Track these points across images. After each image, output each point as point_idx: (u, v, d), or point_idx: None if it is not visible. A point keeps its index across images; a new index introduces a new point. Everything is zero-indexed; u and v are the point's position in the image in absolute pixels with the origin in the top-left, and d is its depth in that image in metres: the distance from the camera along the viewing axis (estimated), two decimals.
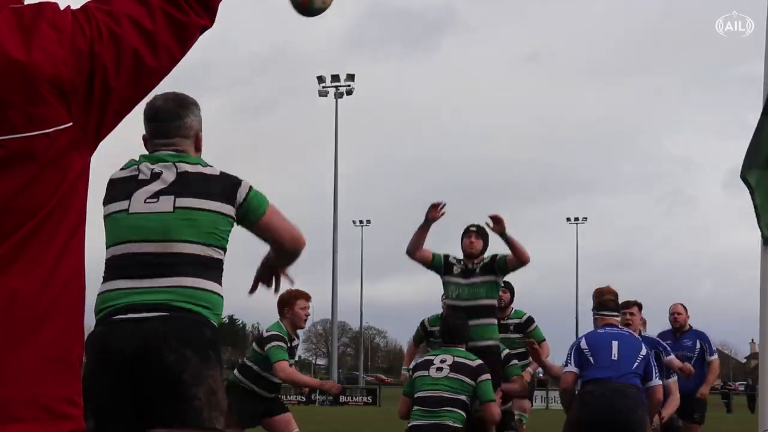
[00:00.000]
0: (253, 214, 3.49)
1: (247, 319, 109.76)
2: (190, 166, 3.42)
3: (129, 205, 3.35)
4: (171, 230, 3.30)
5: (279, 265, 3.73)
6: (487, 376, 6.56)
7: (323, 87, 48.40)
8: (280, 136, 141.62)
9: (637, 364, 6.13)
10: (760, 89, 5.42)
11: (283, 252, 3.66)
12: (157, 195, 3.34)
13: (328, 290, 48.51)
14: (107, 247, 3.45)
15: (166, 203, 3.33)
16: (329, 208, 48.37)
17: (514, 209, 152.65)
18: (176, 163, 3.41)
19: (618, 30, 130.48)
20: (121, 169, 3.50)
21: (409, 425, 6.60)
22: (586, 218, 73.85)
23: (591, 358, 6.19)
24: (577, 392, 6.24)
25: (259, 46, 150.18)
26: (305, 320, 6.94)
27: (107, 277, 3.38)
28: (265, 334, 6.72)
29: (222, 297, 3.44)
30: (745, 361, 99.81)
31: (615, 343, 6.20)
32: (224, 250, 3.50)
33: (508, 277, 7.62)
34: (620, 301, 6.99)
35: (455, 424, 6.37)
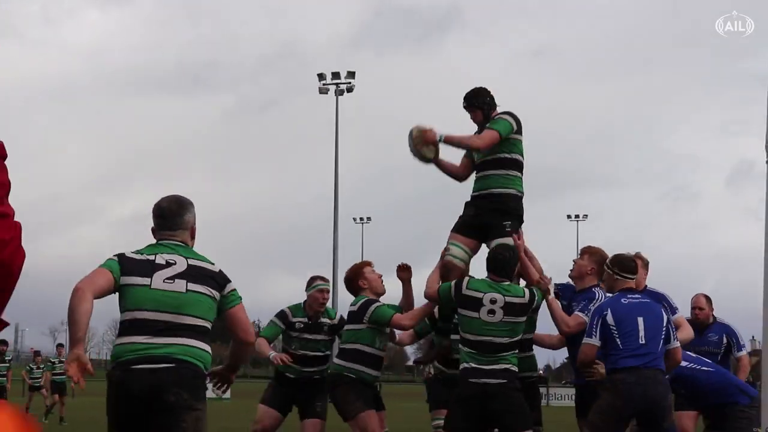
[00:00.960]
0: (229, 304, 4.62)
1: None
2: (196, 261, 4.59)
3: (151, 282, 4.41)
4: (183, 306, 4.41)
5: (234, 366, 4.88)
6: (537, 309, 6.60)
7: (324, 84, 47.60)
8: (282, 133, 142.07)
9: (662, 343, 6.18)
10: (764, 85, 5.35)
11: (238, 343, 4.73)
12: (173, 278, 4.44)
13: (329, 287, 49.17)
14: (127, 310, 4.43)
15: (180, 285, 4.44)
16: (330, 205, 46.53)
17: None
18: (186, 257, 4.55)
19: (622, 26, 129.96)
20: (134, 252, 4.55)
21: (463, 366, 6.33)
22: (586, 215, 73.84)
23: (618, 341, 6.13)
24: (608, 378, 6.15)
25: (263, 45, 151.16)
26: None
27: (127, 333, 4.42)
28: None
29: (210, 353, 4.51)
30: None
31: (641, 321, 6.16)
32: (212, 323, 4.56)
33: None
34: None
35: (513, 367, 6.26)
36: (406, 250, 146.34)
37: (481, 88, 7.04)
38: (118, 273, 4.45)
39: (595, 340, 6.16)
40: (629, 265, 6.50)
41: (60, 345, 24.56)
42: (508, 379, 6.20)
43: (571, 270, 7.12)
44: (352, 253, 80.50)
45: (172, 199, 4.76)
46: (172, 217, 4.70)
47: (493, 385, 6.16)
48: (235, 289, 4.68)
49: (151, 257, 4.51)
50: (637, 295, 6.38)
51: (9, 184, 2.12)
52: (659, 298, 7.31)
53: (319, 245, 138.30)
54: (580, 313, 6.59)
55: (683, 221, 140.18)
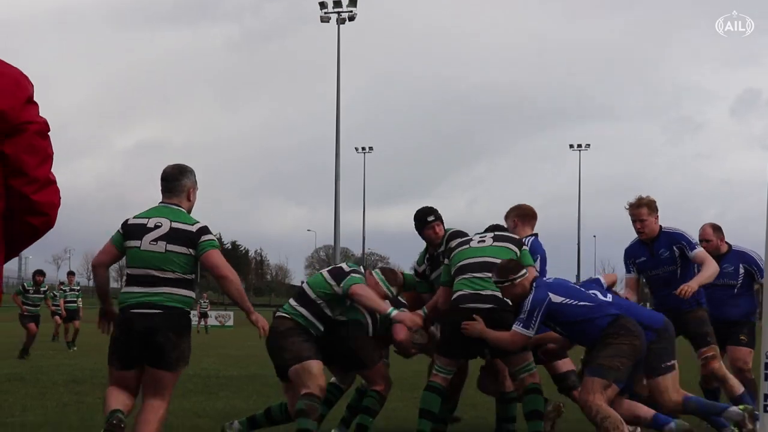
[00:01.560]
0: (200, 253, 5.61)
1: (250, 246, 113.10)
2: (178, 223, 5.62)
3: (140, 244, 5.63)
4: (164, 263, 5.58)
5: (242, 307, 5.81)
6: (527, 247, 6.93)
7: (325, 13, 47.78)
8: (285, 63, 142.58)
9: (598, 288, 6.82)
10: None
11: (218, 282, 5.79)
12: (156, 240, 5.60)
13: (331, 217, 49.13)
14: (127, 266, 5.73)
15: (161, 246, 5.59)
16: (332, 135, 47.44)
17: (518, 135, 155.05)
18: (171, 221, 5.63)
19: None
20: (135, 217, 5.74)
21: (455, 295, 6.65)
22: (589, 145, 74.14)
23: (586, 305, 6.54)
24: (614, 326, 6.33)
25: None
26: None
27: (128, 284, 5.72)
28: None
29: (191, 297, 5.68)
30: None
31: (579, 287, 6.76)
32: (193, 273, 5.68)
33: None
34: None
35: (500, 294, 6.50)
36: (407, 179, 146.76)
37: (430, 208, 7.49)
38: (120, 242, 5.75)
39: (531, 332, 6.31)
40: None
41: (71, 273, 24.77)
42: (498, 304, 6.54)
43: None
44: (354, 183, 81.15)
45: (174, 166, 5.87)
46: (172, 181, 5.81)
47: (484, 309, 6.52)
48: (205, 240, 5.64)
49: (145, 221, 5.69)
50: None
51: (53, 154, 2.59)
52: (677, 238, 7.66)
53: (321, 175, 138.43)
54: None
55: (687, 151, 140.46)
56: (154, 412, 5.52)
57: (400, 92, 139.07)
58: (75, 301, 22.99)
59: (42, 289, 20.19)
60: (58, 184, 2.67)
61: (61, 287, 23.87)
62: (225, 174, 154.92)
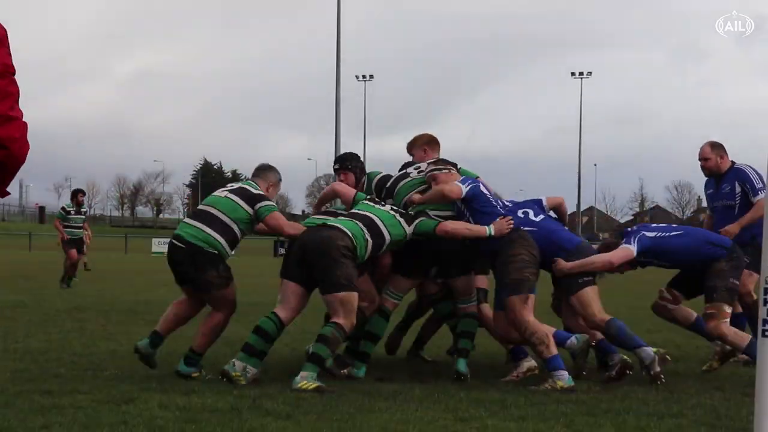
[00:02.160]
0: (261, 217, 6.84)
1: (250, 175, 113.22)
2: (245, 186, 6.98)
3: (219, 192, 7.00)
4: (216, 203, 6.82)
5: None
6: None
7: None
8: None
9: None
10: None
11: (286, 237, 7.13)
12: (224, 191, 6.95)
13: (331, 145, 48.99)
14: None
15: (223, 194, 6.89)
16: (332, 63, 47.19)
17: (519, 63, 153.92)
18: (243, 186, 6.97)
19: None
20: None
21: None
22: (590, 73, 73.65)
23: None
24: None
25: None
26: None
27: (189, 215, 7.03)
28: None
29: (218, 241, 6.69)
30: None
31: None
32: (240, 230, 6.80)
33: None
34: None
35: None
36: (407, 107, 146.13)
37: (354, 153, 7.85)
38: None
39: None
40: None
41: (80, 191, 23.49)
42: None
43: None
44: (355, 111, 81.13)
45: (265, 164, 7.34)
46: (259, 169, 7.27)
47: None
48: (263, 206, 6.84)
49: (233, 186, 7.10)
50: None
51: (18, 92, 2.76)
52: (742, 177, 8.04)
53: (321, 103, 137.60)
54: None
55: (690, 78, 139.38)
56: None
57: (401, 20, 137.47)
58: (81, 227, 21.81)
59: (83, 210, 18.58)
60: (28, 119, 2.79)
61: (65, 209, 21.79)
62: (225, 103, 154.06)
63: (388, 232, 6.84)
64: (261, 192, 6.95)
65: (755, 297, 7.91)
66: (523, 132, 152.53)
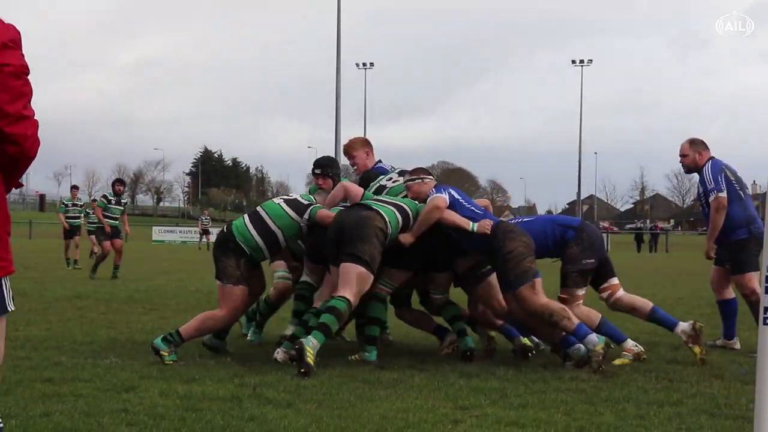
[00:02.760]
0: (311, 218, 7.20)
1: (250, 163, 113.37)
2: (298, 197, 7.43)
3: (275, 199, 7.48)
4: (266, 207, 7.30)
5: None
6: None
7: None
8: None
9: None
10: None
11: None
12: (281, 200, 7.39)
13: (332, 134, 49.63)
14: None
15: (278, 202, 7.36)
16: (332, 51, 48.65)
17: (520, 51, 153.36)
18: (297, 197, 7.40)
19: None
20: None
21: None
22: (591, 60, 73.49)
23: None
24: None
25: None
26: None
27: None
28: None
29: (252, 236, 7.09)
30: None
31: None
32: (279, 225, 7.14)
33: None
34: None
35: None
36: (408, 95, 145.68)
37: (333, 158, 8.15)
38: None
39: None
40: None
41: (74, 187, 23.74)
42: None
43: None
44: (355, 99, 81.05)
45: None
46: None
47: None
48: (311, 209, 7.21)
49: (293, 196, 7.53)
50: None
51: (31, 92, 2.90)
52: (702, 179, 8.09)
53: (322, 92, 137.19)
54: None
55: (693, 66, 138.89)
56: None
57: (401, 8, 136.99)
58: (78, 217, 22.43)
59: (123, 200, 18.38)
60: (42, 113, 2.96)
61: (63, 203, 23.25)
62: (225, 91, 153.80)
63: (391, 227, 6.99)
64: (310, 202, 7.36)
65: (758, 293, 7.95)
66: (523, 120, 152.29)
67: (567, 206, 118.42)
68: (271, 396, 5.51)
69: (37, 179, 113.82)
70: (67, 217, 22.02)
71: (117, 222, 18.10)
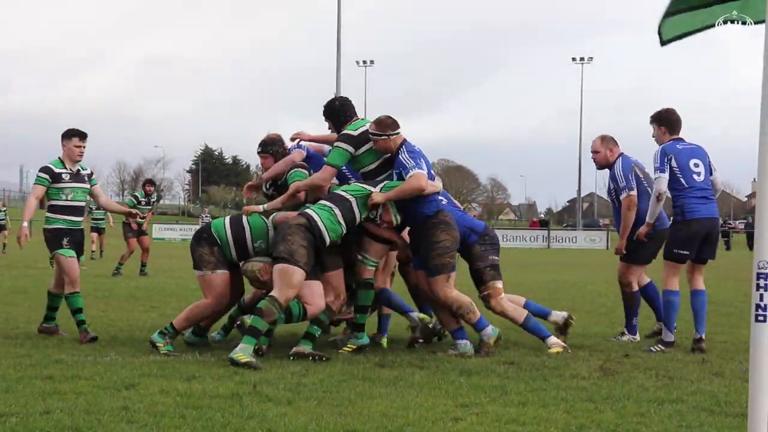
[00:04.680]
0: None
1: (250, 161, 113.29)
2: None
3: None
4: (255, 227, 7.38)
5: None
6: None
7: None
8: None
9: None
10: None
11: None
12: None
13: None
14: None
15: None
16: (332, 48, 47.19)
17: (522, 49, 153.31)
18: None
19: None
20: None
21: None
22: (591, 58, 73.03)
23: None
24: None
25: None
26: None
27: None
28: None
29: (230, 248, 7.32)
30: (746, 199, 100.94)
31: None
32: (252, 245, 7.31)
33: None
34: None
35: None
36: (408, 93, 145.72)
37: (276, 136, 8.10)
38: None
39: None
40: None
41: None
42: None
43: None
44: (356, 97, 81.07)
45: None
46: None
47: None
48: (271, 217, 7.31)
49: None
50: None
51: None
52: (612, 175, 8.24)
53: (321, 90, 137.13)
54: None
55: (698, 63, 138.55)
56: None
57: (401, 7, 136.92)
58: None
59: (152, 200, 18.20)
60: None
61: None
62: (226, 89, 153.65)
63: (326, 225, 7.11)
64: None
65: (634, 288, 8.40)
66: (524, 118, 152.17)
67: (567, 204, 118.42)
68: (271, 394, 5.51)
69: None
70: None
71: (142, 221, 17.96)
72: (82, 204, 8.42)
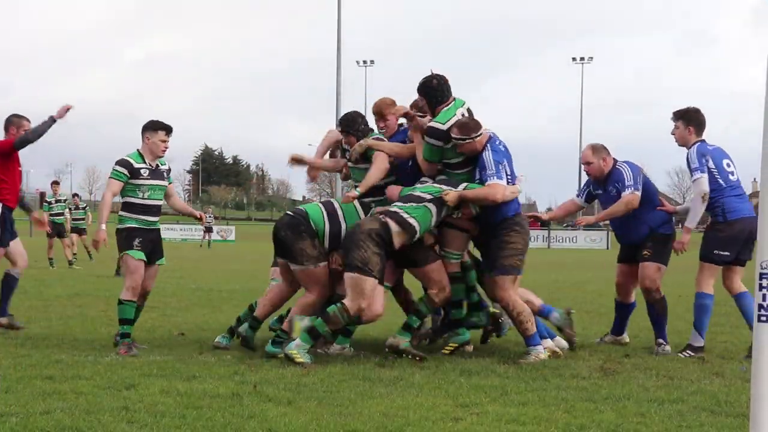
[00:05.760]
0: None
1: (251, 161, 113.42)
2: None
3: None
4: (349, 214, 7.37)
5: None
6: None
7: None
8: None
9: None
10: None
11: None
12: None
13: None
14: None
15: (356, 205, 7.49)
16: (333, 48, 46.47)
17: (523, 50, 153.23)
18: None
19: None
20: None
21: None
22: (591, 58, 73.01)
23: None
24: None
25: None
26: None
27: None
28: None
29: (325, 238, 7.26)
30: None
31: None
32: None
33: None
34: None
35: None
36: (408, 93, 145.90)
37: (357, 114, 7.72)
38: None
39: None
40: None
41: (55, 182, 22.08)
42: None
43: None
44: (356, 97, 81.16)
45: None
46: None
47: None
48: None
49: None
50: None
51: None
52: (617, 177, 7.86)
53: (322, 89, 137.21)
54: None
55: (699, 64, 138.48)
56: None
57: (402, 6, 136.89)
58: (61, 214, 20.86)
59: (82, 206, 18.89)
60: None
61: (45, 200, 21.50)
62: (226, 89, 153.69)
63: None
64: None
65: (662, 293, 7.88)
66: (524, 118, 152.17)
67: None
68: (272, 393, 5.50)
69: (37, 177, 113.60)
70: (51, 215, 20.07)
71: (73, 223, 18.34)
72: (160, 203, 7.66)
